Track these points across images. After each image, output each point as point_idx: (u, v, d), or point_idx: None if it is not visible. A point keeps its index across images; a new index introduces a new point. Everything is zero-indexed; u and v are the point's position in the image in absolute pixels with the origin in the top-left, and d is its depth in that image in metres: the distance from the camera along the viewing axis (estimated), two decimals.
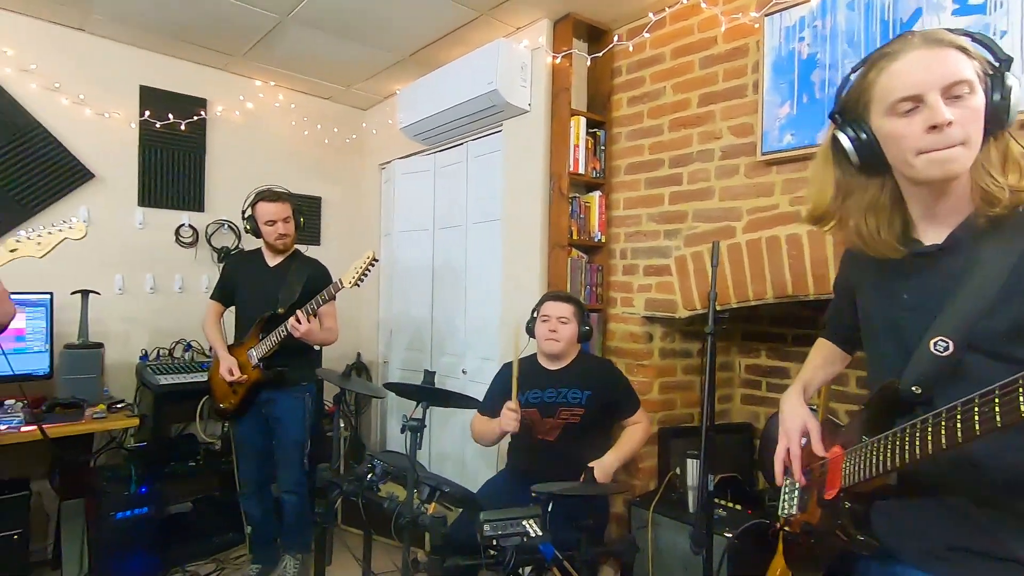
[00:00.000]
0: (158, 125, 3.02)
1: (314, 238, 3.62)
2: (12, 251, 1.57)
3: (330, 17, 2.64)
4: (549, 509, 1.52)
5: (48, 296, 2.52)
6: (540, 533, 1.36)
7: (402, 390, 1.73)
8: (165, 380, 2.67)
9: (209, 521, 2.85)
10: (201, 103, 3.19)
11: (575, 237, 2.58)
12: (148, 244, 3.02)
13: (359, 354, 3.77)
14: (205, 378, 2.65)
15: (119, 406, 2.52)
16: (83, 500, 2.43)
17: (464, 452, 2.99)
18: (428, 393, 1.60)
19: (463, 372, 3.05)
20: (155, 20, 2.70)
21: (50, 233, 1.64)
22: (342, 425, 3.29)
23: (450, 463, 3.11)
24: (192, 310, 3.10)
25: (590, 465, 1.89)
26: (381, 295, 3.72)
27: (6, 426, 2.08)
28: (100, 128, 2.88)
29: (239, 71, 3.29)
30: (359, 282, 2.34)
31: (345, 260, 3.37)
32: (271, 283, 2.49)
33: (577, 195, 2.62)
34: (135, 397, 2.84)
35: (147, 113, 2.99)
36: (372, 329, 3.79)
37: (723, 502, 2.18)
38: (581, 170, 2.58)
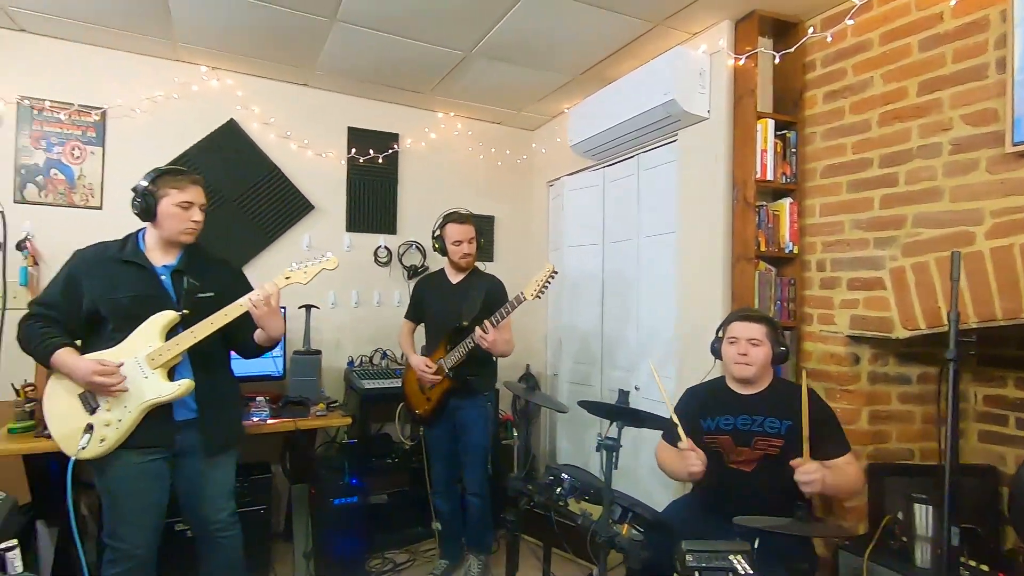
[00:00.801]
0: (361, 160, 3.46)
1: (488, 255, 3.85)
2: (287, 278, 1.89)
3: (509, 48, 2.80)
4: (755, 545, 1.41)
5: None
6: (750, 571, 1.27)
7: (597, 409, 1.73)
8: (369, 384, 3.02)
9: (402, 514, 3.14)
10: (394, 137, 3.58)
11: (763, 248, 2.40)
12: (354, 264, 3.46)
13: (528, 366, 3.89)
14: (400, 384, 2.94)
15: (334, 405, 2.91)
16: (308, 485, 2.83)
17: (637, 467, 2.92)
18: (623, 413, 1.58)
19: (635, 388, 2.99)
20: (362, 69, 3.10)
21: (312, 265, 1.94)
22: (515, 434, 3.45)
23: (623, 479, 3.05)
24: (387, 322, 3.48)
25: (792, 464, 1.71)
26: (549, 308, 3.81)
27: (258, 418, 2.52)
28: (318, 166, 3.38)
29: (425, 106, 3.64)
30: (540, 294, 2.43)
31: (517, 275, 3.56)
32: (455, 299, 2.69)
33: (764, 203, 2.44)
34: (344, 398, 3.25)
35: (353, 150, 3.44)
36: (540, 341, 3.90)
37: (962, 559, 1.84)
38: (769, 176, 2.40)
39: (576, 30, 2.61)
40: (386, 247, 3.55)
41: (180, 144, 3.02)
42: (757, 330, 1.93)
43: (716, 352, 2.05)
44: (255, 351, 2.01)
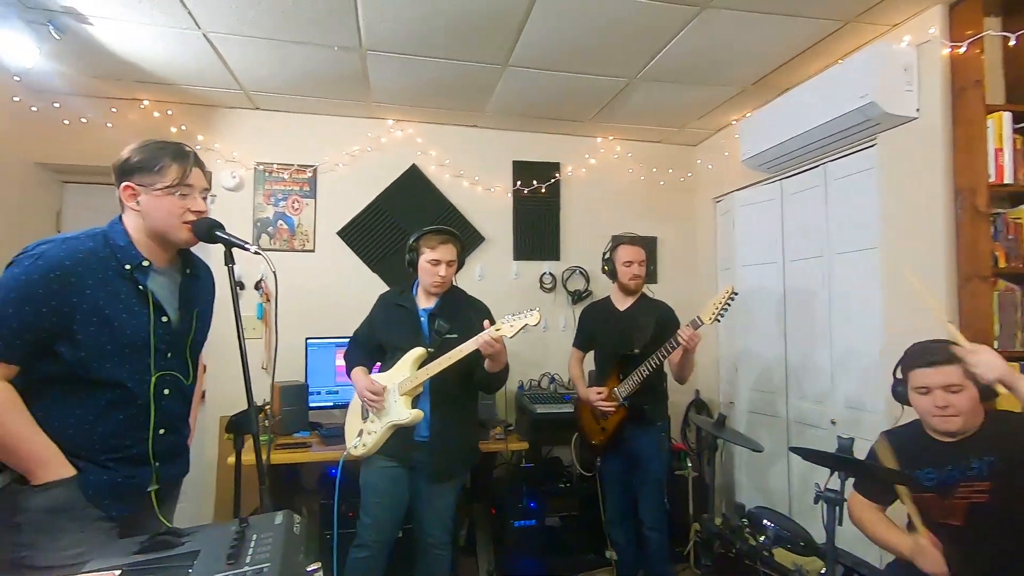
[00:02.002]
0: (525, 191, 3.61)
1: (652, 277, 3.76)
2: (497, 329, 2.03)
3: (674, 69, 2.74)
4: None
5: None
6: None
7: (813, 457, 1.55)
8: (541, 409, 3.10)
9: (575, 538, 3.15)
10: (556, 167, 3.69)
11: (1002, 264, 2.02)
12: (521, 291, 3.61)
13: (697, 391, 3.71)
14: (570, 409, 2.97)
15: (510, 429, 3.03)
16: (488, 504, 2.98)
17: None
18: (846, 464, 1.43)
19: (831, 423, 2.68)
20: (527, 106, 3.25)
21: (518, 320, 2.05)
22: (689, 465, 3.28)
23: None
24: (553, 347, 3.55)
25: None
26: (721, 331, 3.60)
27: None
28: (487, 200, 3.60)
29: (585, 133, 3.69)
30: (719, 318, 2.33)
31: (683, 296, 3.43)
32: (625, 326, 2.65)
33: (1001, 211, 2.06)
34: (515, 421, 3.38)
35: (518, 183, 3.61)
36: (711, 366, 3.69)
37: None
38: (1007, 179, 2.03)
39: (750, 41, 2.47)
40: (550, 273, 3.65)
41: (373, 191, 3.43)
42: (952, 373, 1.54)
43: (901, 398, 1.71)
44: (489, 383, 2.20)
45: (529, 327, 2.02)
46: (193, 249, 1.53)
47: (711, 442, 3.46)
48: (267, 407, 2.85)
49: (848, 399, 2.61)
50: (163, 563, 0.82)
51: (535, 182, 3.61)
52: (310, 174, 3.36)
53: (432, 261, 2.18)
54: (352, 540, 2.18)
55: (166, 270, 1.46)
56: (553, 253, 3.68)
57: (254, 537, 0.86)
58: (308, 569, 0.83)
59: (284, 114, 3.34)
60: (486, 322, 2.01)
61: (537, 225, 3.66)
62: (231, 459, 2.02)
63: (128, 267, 1.36)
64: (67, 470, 1.28)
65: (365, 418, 2.19)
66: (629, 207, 3.78)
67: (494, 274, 3.58)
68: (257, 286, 3.24)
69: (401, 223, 3.42)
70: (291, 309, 3.20)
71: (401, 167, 3.48)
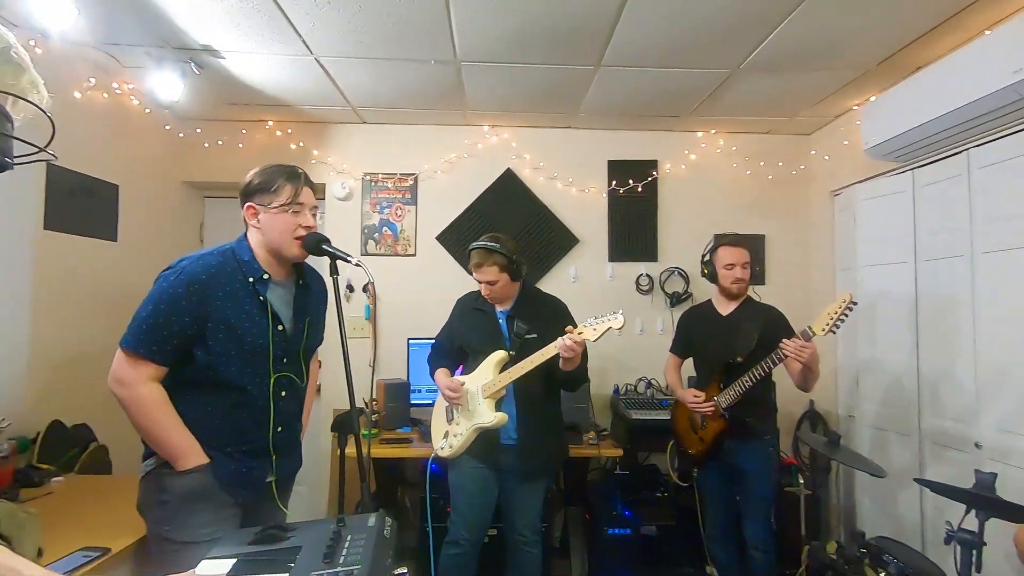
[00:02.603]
0: (621, 191, 3.53)
1: (759, 278, 3.52)
2: (579, 333, 2.03)
3: (782, 56, 2.54)
4: None
5: None
6: None
7: (945, 492, 1.38)
8: (636, 414, 3.02)
9: (671, 550, 3.03)
10: (653, 164, 3.57)
11: None
12: (616, 293, 3.53)
13: (812, 402, 3.42)
14: (668, 416, 2.87)
15: (604, 434, 2.99)
16: (582, 509, 2.96)
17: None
18: (986, 503, 1.25)
19: (976, 446, 2.35)
20: (621, 104, 3.18)
21: (601, 323, 2.04)
22: (801, 482, 3.04)
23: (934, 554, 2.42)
24: (650, 350, 3.44)
25: None
26: (840, 337, 3.28)
27: None
28: (581, 201, 3.56)
29: (684, 128, 3.54)
30: (833, 329, 2.13)
31: (795, 300, 3.18)
32: (727, 332, 2.50)
33: None
34: (610, 426, 3.32)
35: (613, 183, 3.54)
36: (828, 376, 3.36)
37: None
38: None
39: (873, 18, 2.22)
40: (647, 275, 3.54)
41: (470, 196, 3.53)
42: None
43: None
44: (568, 383, 2.21)
45: (613, 330, 1.98)
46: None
47: (825, 459, 3.19)
48: (372, 403, 3.05)
49: (999, 420, 2.27)
50: (270, 555, 0.91)
51: (631, 181, 3.52)
52: (411, 182, 3.54)
53: (478, 281, 2.23)
54: (446, 535, 2.26)
55: (283, 282, 1.61)
56: (650, 254, 3.57)
57: (348, 538, 0.93)
58: (395, 572, 0.88)
59: (387, 126, 3.54)
60: (569, 328, 2.00)
61: (633, 225, 3.57)
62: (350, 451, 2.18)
63: (251, 280, 1.52)
64: (202, 459, 1.45)
65: (450, 420, 2.25)
66: (733, 204, 3.57)
67: (588, 276, 3.54)
68: (365, 289, 3.47)
69: (496, 226, 3.48)
70: (394, 311, 3.39)
71: (496, 172, 3.54)
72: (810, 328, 2.19)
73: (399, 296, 3.44)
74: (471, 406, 2.15)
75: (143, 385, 1.42)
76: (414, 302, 3.43)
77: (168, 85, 2.59)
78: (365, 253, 3.52)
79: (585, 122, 3.48)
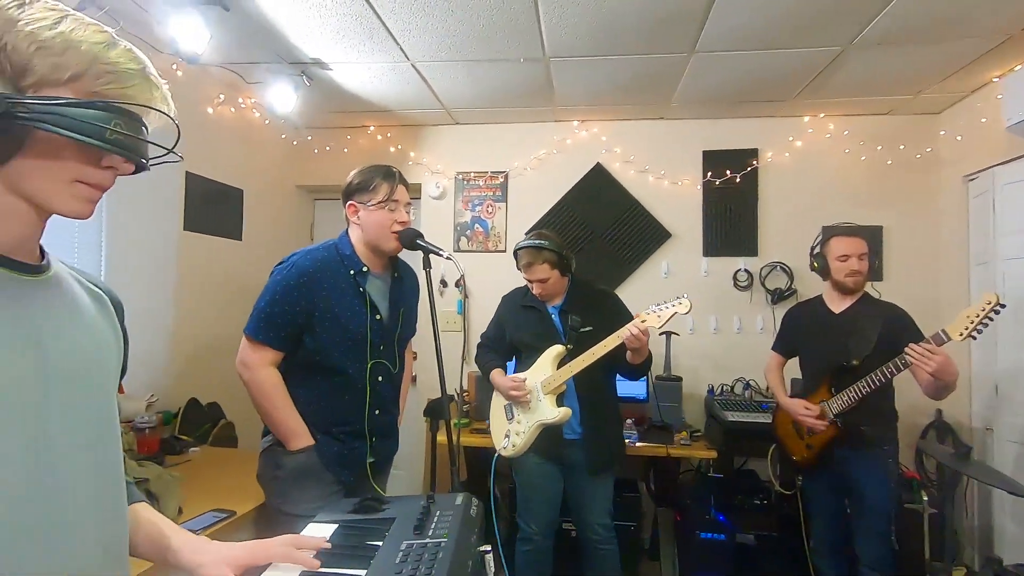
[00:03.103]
0: (717, 182, 3.38)
1: (877, 273, 3.21)
2: (643, 321, 2.01)
3: (903, 28, 2.30)
4: None
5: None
6: None
7: None
8: (733, 416, 2.88)
9: (772, 562, 2.86)
10: (753, 153, 3.37)
11: None
12: (711, 289, 3.39)
13: (939, 411, 3.07)
14: (768, 419, 2.71)
15: (697, 435, 2.88)
16: (673, 511, 2.88)
17: None
18: None
19: None
20: (718, 91, 3.03)
21: (666, 309, 2.01)
22: (924, 499, 2.75)
23: None
24: (749, 350, 3.27)
25: None
26: (976, 341, 2.91)
27: (628, 440, 2.70)
28: (673, 195, 3.45)
29: (788, 113, 3.31)
30: (974, 335, 1.89)
31: (919, 298, 2.87)
32: (840, 332, 2.30)
33: None
34: (704, 427, 3.19)
35: (708, 174, 3.39)
36: (961, 383, 2.96)
37: None
38: None
39: None
40: (746, 270, 3.36)
41: (558, 192, 3.54)
42: None
43: None
44: (633, 374, 2.19)
45: (679, 316, 1.94)
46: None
47: (954, 474, 2.85)
48: (464, 394, 3.16)
49: None
50: (368, 524, 0.99)
51: (728, 171, 3.36)
52: (502, 179, 3.61)
53: (529, 281, 2.21)
54: (518, 532, 2.28)
55: (380, 275, 1.72)
56: (750, 248, 3.38)
57: (437, 513, 0.98)
58: (479, 549, 0.91)
59: (478, 126, 3.64)
60: (638, 313, 1.99)
61: (731, 218, 3.40)
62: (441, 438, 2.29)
63: (352, 272, 1.64)
64: (309, 441, 1.59)
65: (510, 419, 2.22)
66: (844, 193, 3.28)
67: (681, 272, 3.42)
68: (458, 284, 3.60)
69: (586, 222, 3.48)
70: (486, 305, 3.47)
71: (586, 167, 3.52)
72: (944, 332, 1.96)
73: (490, 291, 3.52)
74: (532, 403, 2.14)
75: (263, 369, 1.58)
76: None
77: (284, 97, 2.85)
78: (457, 250, 3.64)
79: (678, 112, 3.37)
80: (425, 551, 0.84)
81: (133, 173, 0.69)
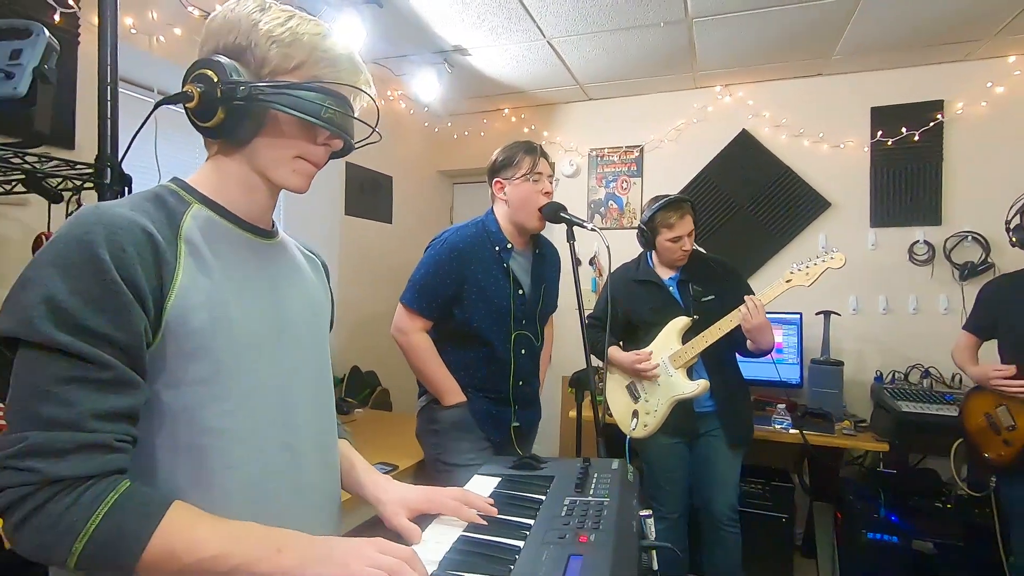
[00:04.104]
0: (889, 142, 2.96)
1: None
2: (787, 281, 1.87)
3: None
4: None
5: (798, 316, 2.91)
6: None
7: None
8: (907, 407, 2.54)
9: (958, 574, 2.51)
10: (936, 106, 2.90)
11: None
12: (879, 264, 3.00)
13: None
14: (953, 412, 2.36)
15: (863, 426, 2.59)
16: (832, 507, 2.63)
17: None
18: None
19: None
20: (893, 37, 2.65)
21: (815, 264, 1.85)
22: None
23: None
24: (928, 333, 2.87)
25: None
26: None
27: (780, 426, 2.51)
28: (834, 159, 3.10)
29: (985, 55, 2.80)
30: None
31: None
32: None
33: None
34: (870, 417, 2.86)
35: (879, 134, 2.99)
36: None
37: None
38: None
39: None
40: (926, 242, 2.92)
41: (698, 163, 3.35)
42: None
43: None
44: (756, 351, 2.04)
45: (832, 271, 1.82)
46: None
47: None
48: (602, 371, 3.14)
49: None
50: (528, 480, 1.03)
51: (904, 129, 2.93)
52: (637, 154, 3.50)
53: (673, 239, 2.08)
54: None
55: (523, 251, 1.77)
56: (931, 216, 2.93)
57: (595, 475, 1.00)
58: (641, 513, 0.91)
59: (612, 100, 3.55)
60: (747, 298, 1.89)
61: (907, 183, 2.97)
62: (572, 412, 2.31)
63: (497, 248, 1.70)
64: (462, 397, 1.71)
65: (636, 398, 2.15)
66: None
67: (843, 244, 3.05)
68: (591, 262, 3.58)
69: (729, 194, 3.27)
70: None
71: (729, 135, 3.29)
72: None
73: None
74: (662, 378, 2.06)
75: (417, 334, 1.72)
76: None
77: (427, 86, 3.01)
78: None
79: (840, 66, 3.00)
80: (589, 507, 0.85)
81: (341, 154, 0.80)
